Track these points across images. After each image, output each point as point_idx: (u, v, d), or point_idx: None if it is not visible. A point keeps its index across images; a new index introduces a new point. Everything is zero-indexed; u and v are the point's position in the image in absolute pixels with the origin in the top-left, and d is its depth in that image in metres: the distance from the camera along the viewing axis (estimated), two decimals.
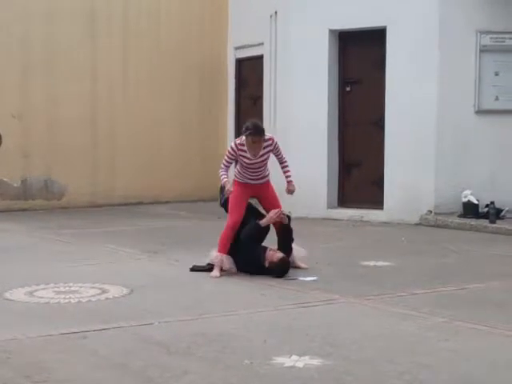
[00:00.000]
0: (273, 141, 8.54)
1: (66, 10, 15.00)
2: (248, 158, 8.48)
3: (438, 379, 5.00)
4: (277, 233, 8.71)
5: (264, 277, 8.27)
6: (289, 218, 8.67)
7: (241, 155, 8.48)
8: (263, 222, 8.44)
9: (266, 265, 8.32)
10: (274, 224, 8.59)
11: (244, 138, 8.45)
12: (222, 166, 8.54)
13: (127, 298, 7.38)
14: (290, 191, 8.76)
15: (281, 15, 14.26)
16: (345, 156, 13.65)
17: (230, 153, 8.52)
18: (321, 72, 13.45)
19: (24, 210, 14.63)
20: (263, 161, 8.56)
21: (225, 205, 8.88)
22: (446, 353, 5.58)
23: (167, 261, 9.39)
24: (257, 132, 8.39)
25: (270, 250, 8.41)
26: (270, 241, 8.70)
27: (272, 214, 8.44)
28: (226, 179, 8.44)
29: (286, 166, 8.76)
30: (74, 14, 15.10)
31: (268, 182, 8.80)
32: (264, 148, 8.48)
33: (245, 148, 8.45)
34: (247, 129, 8.39)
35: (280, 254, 8.34)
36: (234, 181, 8.63)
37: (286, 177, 8.75)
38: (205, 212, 14.22)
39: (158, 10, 16.14)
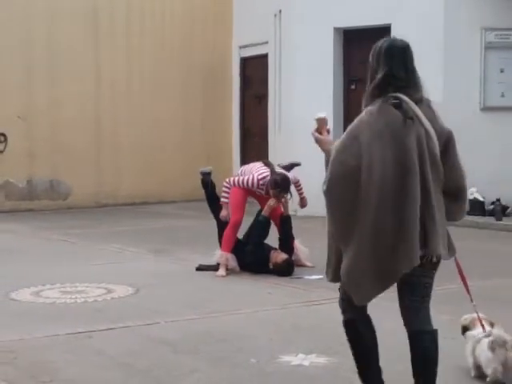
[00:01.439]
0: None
1: (68, 10, 15.00)
2: (261, 194, 8.62)
3: (443, 377, 4.98)
4: (278, 229, 8.75)
5: (270, 275, 8.27)
6: (289, 217, 8.73)
7: (257, 190, 8.58)
8: (265, 211, 8.47)
9: (270, 266, 8.34)
10: (275, 219, 8.62)
11: (267, 178, 8.45)
12: (229, 184, 8.52)
13: (133, 297, 7.38)
14: (304, 206, 9.03)
15: (285, 14, 14.25)
16: None
17: (247, 183, 8.50)
18: (325, 70, 13.44)
19: (30, 210, 14.64)
20: None
21: (210, 199, 9.05)
22: (453, 351, 5.56)
23: (173, 260, 9.38)
24: (288, 190, 8.54)
25: (274, 251, 8.42)
26: (271, 239, 8.70)
27: (271, 202, 8.47)
28: (225, 201, 8.51)
29: (300, 185, 8.96)
30: (77, 14, 15.10)
31: None
32: None
33: (263, 187, 8.49)
34: (278, 185, 8.40)
35: (284, 255, 8.34)
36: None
37: (300, 193, 8.98)
38: (210, 211, 14.19)
39: (162, 9, 16.13)
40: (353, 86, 13.67)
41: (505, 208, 12.16)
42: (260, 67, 15.88)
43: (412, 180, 3.82)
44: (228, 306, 6.95)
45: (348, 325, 4.21)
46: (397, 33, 12.76)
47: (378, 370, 4.28)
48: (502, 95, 12.87)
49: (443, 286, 7.74)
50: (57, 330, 6.12)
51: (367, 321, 4.24)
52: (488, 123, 12.81)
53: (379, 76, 3.93)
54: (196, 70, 16.43)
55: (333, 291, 7.50)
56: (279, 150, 13.94)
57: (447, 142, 3.98)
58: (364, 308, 4.18)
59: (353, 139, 3.92)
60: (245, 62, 16.76)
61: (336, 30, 13.42)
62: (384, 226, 3.87)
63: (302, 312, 6.76)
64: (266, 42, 15.41)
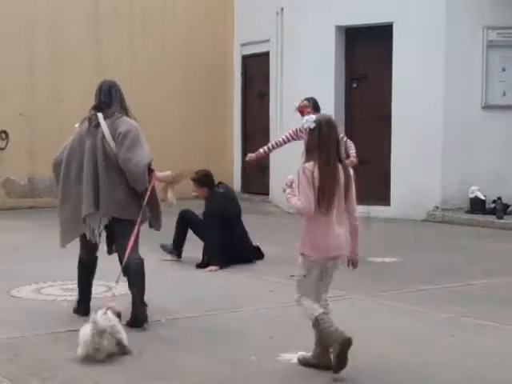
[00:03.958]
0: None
1: (70, 9, 14.99)
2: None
3: (443, 375, 4.99)
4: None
5: (272, 273, 8.28)
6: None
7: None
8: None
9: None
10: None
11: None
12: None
13: None
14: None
15: (287, 12, 14.25)
16: None
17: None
18: (327, 68, 13.43)
19: (31, 207, 14.63)
20: None
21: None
22: (452, 348, 5.57)
23: (173, 258, 9.38)
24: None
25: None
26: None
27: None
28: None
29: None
30: (79, 13, 15.09)
31: None
32: None
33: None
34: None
35: None
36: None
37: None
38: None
39: (164, 7, 16.12)
40: (354, 85, 13.67)
41: (506, 206, 12.16)
42: (262, 65, 15.88)
43: (87, 163, 6.27)
44: (229, 304, 6.96)
45: (82, 261, 6.81)
46: (399, 31, 12.87)
47: (90, 289, 6.76)
48: (504, 94, 12.87)
49: (443, 285, 7.78)
50: (58, 327, 6.13)
51: (94, 260, 6.80)
52: (489, 122, 12.80)
53: (95, 102, 6.42)
54: (197, 68, 16.42)
55: (334, 289, 7.53)
56: (280, 149, 13.93)
57: (118, 141, 6.26)
58: (93, 252, 6.75)
59: (69, 139, 6.61)
60: (246, 60, 16.75)
61: (338, 28, 13.41)
62: (69, 193, 6.44)
63: None
64: (268, 40, 15.41)
